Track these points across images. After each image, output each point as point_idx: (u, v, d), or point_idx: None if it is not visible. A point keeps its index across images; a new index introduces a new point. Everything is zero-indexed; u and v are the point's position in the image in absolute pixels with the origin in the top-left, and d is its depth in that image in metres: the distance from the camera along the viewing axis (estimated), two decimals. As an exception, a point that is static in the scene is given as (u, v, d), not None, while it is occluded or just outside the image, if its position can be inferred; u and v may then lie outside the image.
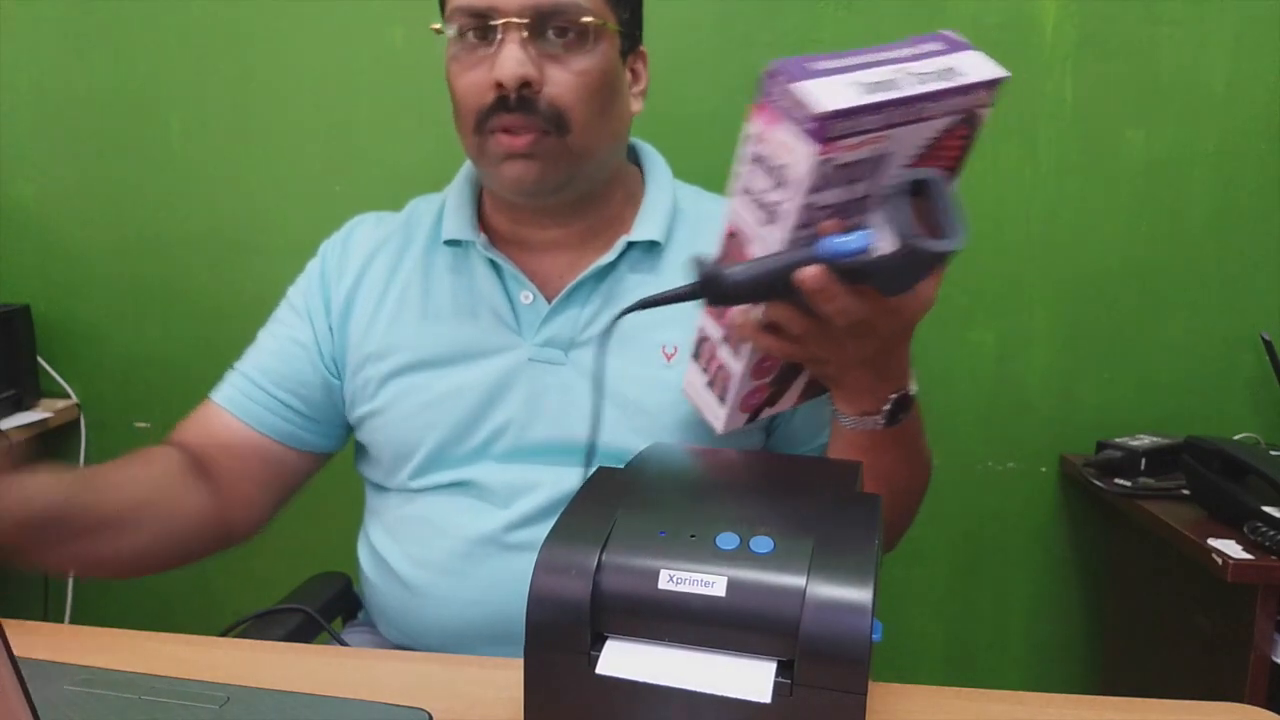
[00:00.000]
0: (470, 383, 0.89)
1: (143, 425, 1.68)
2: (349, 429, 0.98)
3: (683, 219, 0.94)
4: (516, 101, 0.81)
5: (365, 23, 1.54)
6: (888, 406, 0.75)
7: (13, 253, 1.66)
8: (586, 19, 0.82)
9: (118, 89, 1.60)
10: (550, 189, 0.86)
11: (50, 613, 1.70)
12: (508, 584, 0.85)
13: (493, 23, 0.81)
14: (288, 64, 1.56)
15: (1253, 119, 1.43)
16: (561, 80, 0.82)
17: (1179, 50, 1.43)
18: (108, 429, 1.68)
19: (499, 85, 0.81)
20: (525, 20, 0.81)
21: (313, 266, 0.98)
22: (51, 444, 1.67)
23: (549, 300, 0.90)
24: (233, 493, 0.93)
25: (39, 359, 1.64)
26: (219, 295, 1.63)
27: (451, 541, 0.87)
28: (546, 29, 0.82)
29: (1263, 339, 1.37)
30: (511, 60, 0.80)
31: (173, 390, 1.66)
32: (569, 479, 0.86)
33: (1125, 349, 1.50)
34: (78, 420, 1.67)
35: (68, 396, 1.66)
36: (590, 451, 0.79)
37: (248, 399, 0.94)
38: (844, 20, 1.46)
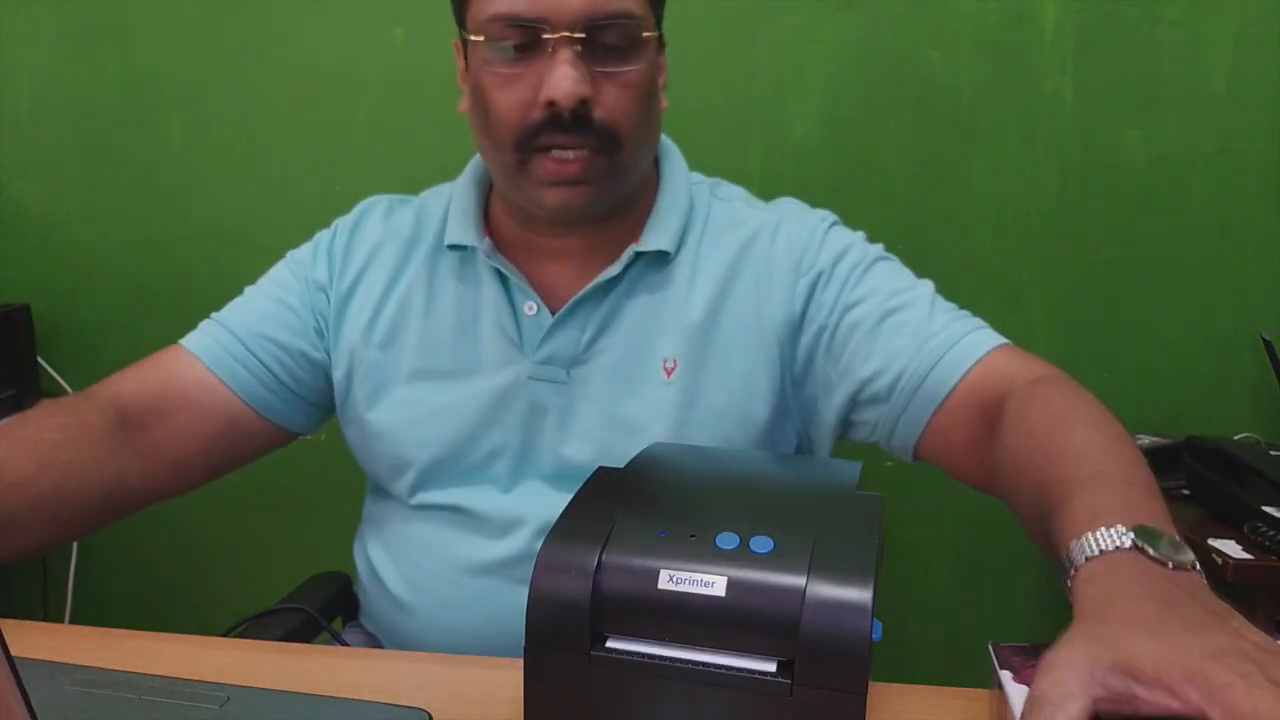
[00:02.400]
0: (468, 398, 0.87)
1: (143, 425, 1.68)
2: (327, 414, 0.96)
3: (696, 224, 0.90)
4: (570, 120, 0.77)
5: (365, 23, 1.54)
6: None
7: (13, 253, 1.66)
8: (641, 32, 0.79)
9: (118, 89, 1.60)
10: (593, 211, 0.83)
11: (50, 613, 1.70)
12: (502, 616, 0.82)
13: (545, 36, 0.76)
14: (288, 63, 1.56)
15: (1253, 119, 1.43)
16: (613, 97, 0.78)
17: (1179, 50, 1.43)
18: (108, 429, 1.68)
19: (551, 104, 0.76)
20: (580, 34, 0.76)
21: (323, 238, 0.95)
22: (51, 444, 1.67)
23: (553, 313, 0.86)
24: (167, 451, 0.86)
25: (39, 359, 1.64)
26: (219, 295, 1.61)
27: (448, 571, 0.86)
28: (599, 42, 0.77)
29: (1263, 339, 1.37)
30: (568, 79, 0.75)
31: (173, 390, 1.66)
32: None
33: (1125, 349, 1.50)
34: (78, 420, 1.67)
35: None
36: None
37: (226, 352, 0.89)
38: (844, 20, 1.46)
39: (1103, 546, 0.53)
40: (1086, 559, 0.53)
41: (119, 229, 1.63)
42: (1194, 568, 0.51)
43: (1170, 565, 0.51)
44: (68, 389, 1.66)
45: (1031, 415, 0.72)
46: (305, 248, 0.96)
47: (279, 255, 0.91)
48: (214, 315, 0.94)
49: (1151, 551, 0.51)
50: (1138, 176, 1.46)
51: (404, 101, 1.55)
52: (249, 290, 0.96)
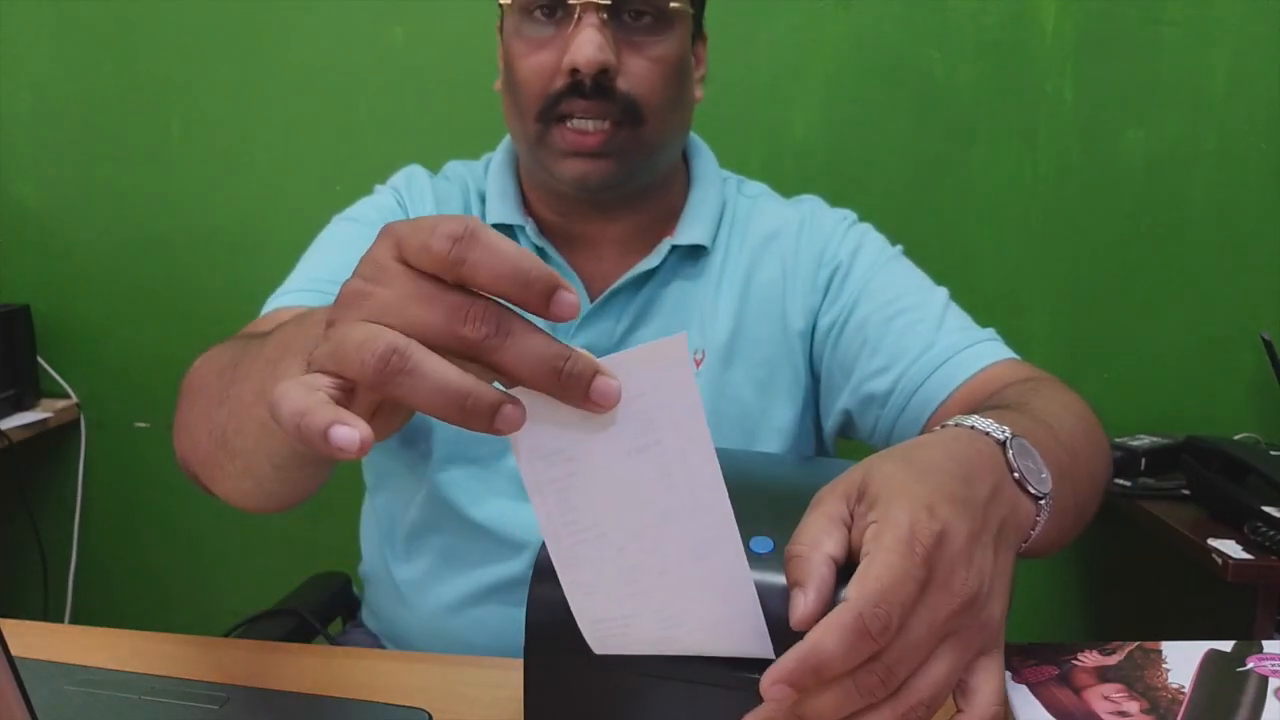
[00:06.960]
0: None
1: (142, 425, 1.68)
2: None
3: (726, 219, 0.90)
4: (592, 88, 0.76)
5: (365, 22, 1.54)
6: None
7: (13, 253, 1.66)
8: (669, 3, 0.78)
9: (118, 89, 1.60)
10: (613, 186, 0.81)
11: (50, 613, 1.70)
12: (509, 629, 0.82)
13: (571, 2, 0.76)
14: (288, 64, 1.56)
15: (1253, 119, 1.43)
16: (638, 68, 0.78)
17: (1179, 50, 1.43)
18: (107, 429, 1.68)
19: (574, 70, 0.76)
20: (606, 1, 0.76)
21: (386, 195, 0.91)
22: (51, 444, 1.67)
23: (590, 300, 0.85)
24: None
25: (39, 359, 1.64)
26: (219, 295, 1.63)
27: (454, 578, 0.85)
28: (624, 11, 0.77)
29: (1263, 339, 1.37)
30: (590, 44, 0.75)
31: (173, 390, 1.65)
32: None
33: (1125, 349, 1.50)
34: (77, 420, 1.67)
35: (68, 396, 1.66)
36: None
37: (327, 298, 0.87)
38: (844, 20, 1.46)
39: (966, 424, 0.48)
40: (942, 426, 0.49)
41: (119, 229, 1.63)
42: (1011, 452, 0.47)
43: (1013, 461, 0.47)
44: (68, 389, 1.66)
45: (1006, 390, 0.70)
46: (364, 203, 0.91)
47: (278, 256, 0.88)
48: (286, 283, 0.86)
49: (999, 435, 0.47)
50: (1138, 176, 1.46)
51: (404, 101, 1.55)
52: (311, 252, 0.89)
